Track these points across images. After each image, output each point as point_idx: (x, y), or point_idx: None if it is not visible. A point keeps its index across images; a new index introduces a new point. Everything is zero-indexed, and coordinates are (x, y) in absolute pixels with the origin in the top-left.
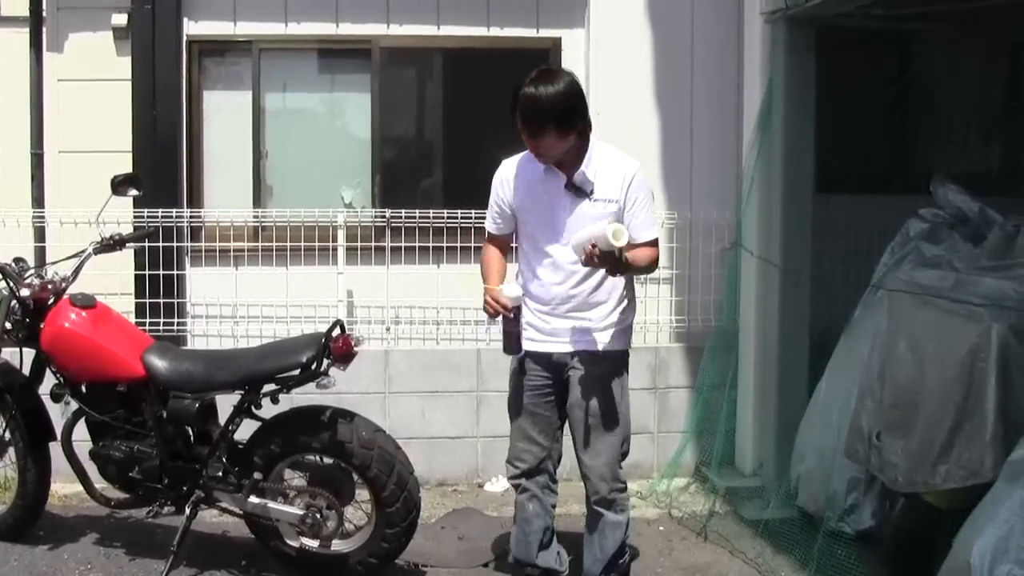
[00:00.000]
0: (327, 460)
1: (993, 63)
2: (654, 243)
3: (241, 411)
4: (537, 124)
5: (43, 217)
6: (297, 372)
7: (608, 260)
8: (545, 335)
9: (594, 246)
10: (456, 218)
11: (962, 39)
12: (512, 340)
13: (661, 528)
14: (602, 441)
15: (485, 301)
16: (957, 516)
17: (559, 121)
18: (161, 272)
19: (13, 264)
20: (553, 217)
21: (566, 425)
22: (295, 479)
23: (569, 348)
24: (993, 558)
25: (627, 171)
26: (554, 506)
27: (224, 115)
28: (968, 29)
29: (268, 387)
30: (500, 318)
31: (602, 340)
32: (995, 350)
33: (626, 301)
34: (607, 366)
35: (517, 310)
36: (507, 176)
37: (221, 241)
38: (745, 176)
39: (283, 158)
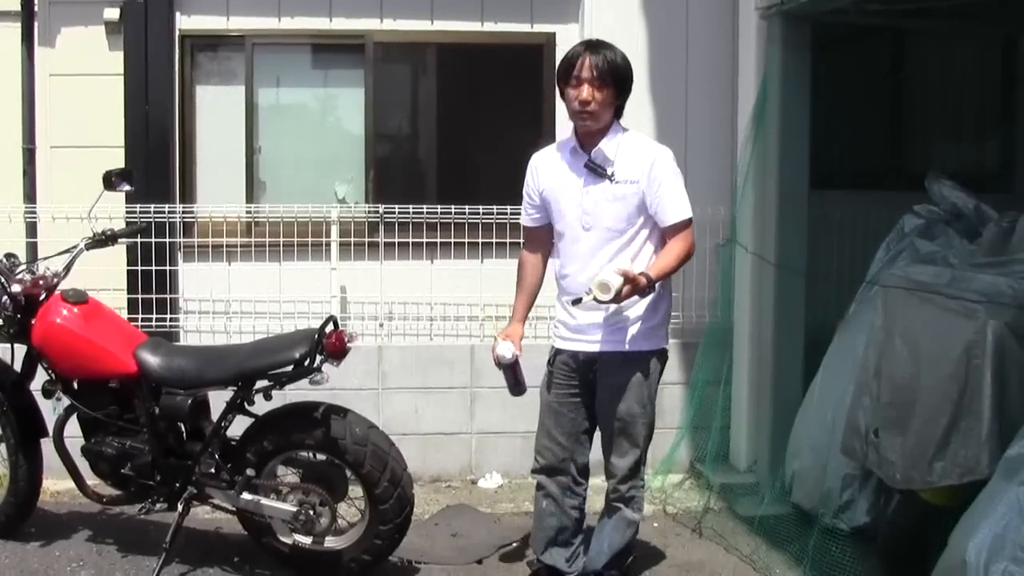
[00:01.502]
0: (320, 457)
1: (988, 58)
2: (684, 226)
3: (234, 407)
4: (603, 80)
5: (35, 212)
6: (290, 368)
7: (613, 301)
8: (572, 332)
9: (589, 292)
10: (450, 214)
11: (957, 35)
12: (509, 386)
13: (656, 524)
14: (629, 442)
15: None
16: (953, 513)
17: (620, 85)
18: (153, 268)
19: (4, 260)
20: (576, 200)
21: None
22: (288, 476)
23: (595, 348)
24: (989, 555)
25: (653, 153)
26: (579, 508)
27: (217, 110)
28: (963, 25)
29: (261, 383)
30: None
31: (628, 341)
32: (991, 346)
33: (655, 296)
34: (634, 368)
35: (509, 367)
36: (537, 164)
37: (214, 236)
38: (740, 172)
39: (276, 153)
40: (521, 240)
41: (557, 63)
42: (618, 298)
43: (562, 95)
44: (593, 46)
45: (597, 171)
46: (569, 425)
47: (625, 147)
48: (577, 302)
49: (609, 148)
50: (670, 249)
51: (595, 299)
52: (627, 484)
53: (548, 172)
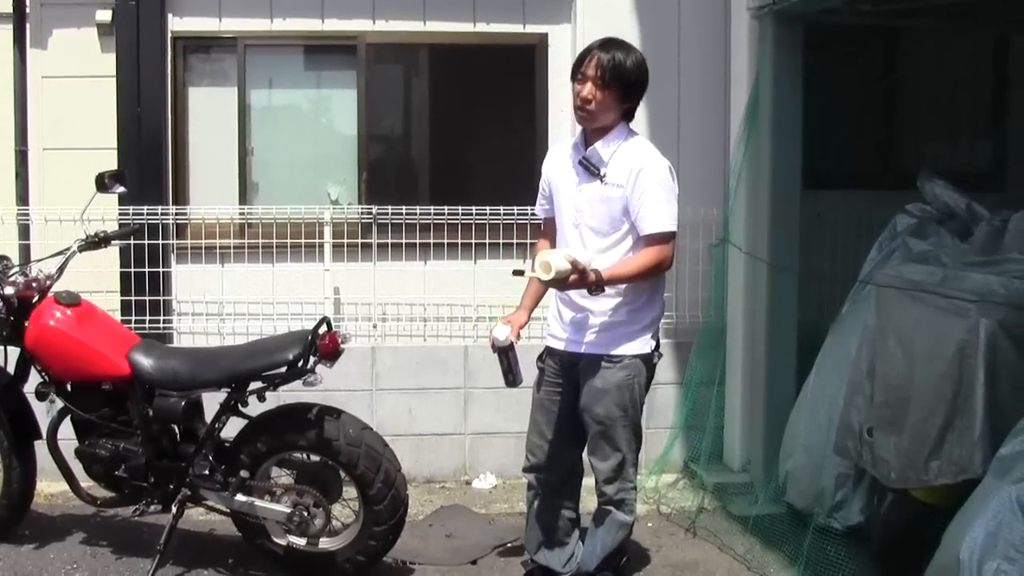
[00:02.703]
0: (314, 458)
1: (980, 58)
2: (661, 239)
3: (227, 409)
4: (606, 81)
5: (27, 215)
6: (284, 370)
7: (555, 285)
8: (561, 331)
9: (533, 268)
10: (443, 214)
11: (949, 34)
12: (503, 374)
13: (650, 525)
14: (610, 445)
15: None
16: (946, 512)
17: (626, 88)
18: (147, 269)
19: None
20: (571, 196)
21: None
22: (282, 477)
23: (578, 349)
24: (982, 553)
25: (643, 161)
26: (571, 507)
27: (209, 111)
28: (955, 24)
29: (254, 385)
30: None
31: (611, 343)
32: (983, 345)
33: (641, 300)
34: (615, 371)
35: (504, 351)
36: (550, 156)
37: (207, 238)
38: (732, 172)
39: (269, 154)
40: (515, 240)
41: (549, 64)
42: (562, 284)
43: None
44: (606, 45)
45: (590, 170)
46: (558, 424)
47: (622, 151)
48: (519, 273)
49: (605, 150)
50: (636, 257)
51: (539, 278)
52: (612, 486)
53: (555, 165)
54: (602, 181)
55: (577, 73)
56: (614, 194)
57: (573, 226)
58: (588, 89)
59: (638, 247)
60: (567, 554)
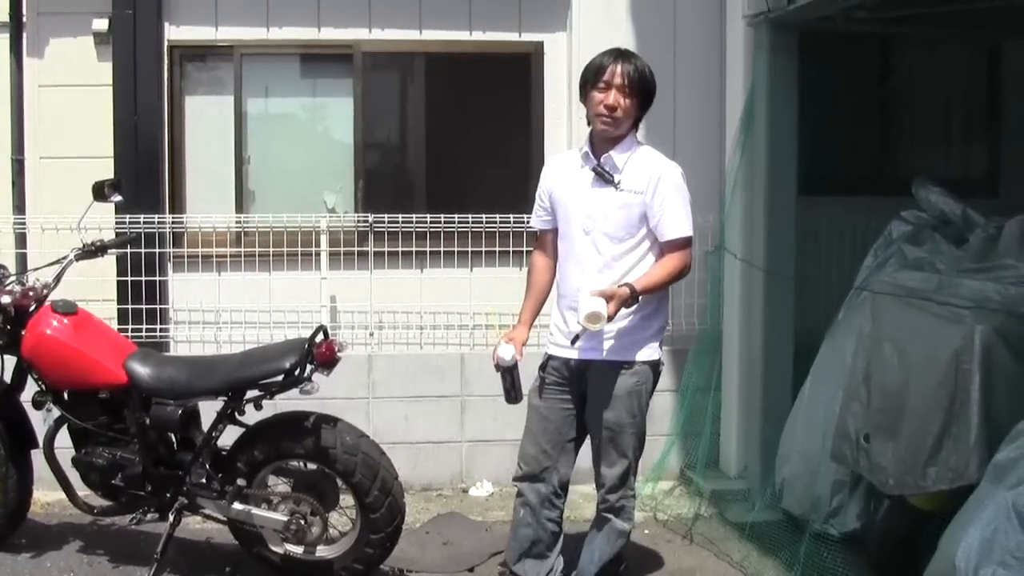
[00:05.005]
0: (311, 466)
1: (974, 64)
2: (683, 244)
3: (224, 417)
4: (631, 89)
5: (24, 223)
6: (280, 378)
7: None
8: (566, 339)
9: (582, 328)
10: (439, 223)
11: (943, 41)
12: (504, 391)
13: (646, 531)
14: (618, 452)
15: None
16: (942, 518)
17: (644, 97)
18: (143, 278)
19: None
20: (581, 203)
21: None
22: (279, 485)
23: (588, 356)
24: (978, 559)
25: (660, 168)
26: (556, 521)
27: (206, 120)
28: (949, 31)
29: (251, 393)
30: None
31: (621, 350)
32: (978, 352)
33: (651, 307)
34: (625, 378)
35: (508, 370)
36: (549, 166)
37: (203, 247)
38: (728, 179)
39: (265, 163)
40: (511, 248)
41: (545, 72)
42: (610, 319)
43: (583, 99)
44: (625, 55)
45: (604, 177)
46: (555, 434)
47: (635, 159)
48: (575, 340)
49: (620, 157)
50: (663, 264)
51: (591, 330)
52: (616, 494)
53: (558, 174)
54: (617, 188)
55: (599, 82)
56: (633, 200)
57: (584, 233)
58: (614, 96)
59: (652, 252)
60: (547, 567)
